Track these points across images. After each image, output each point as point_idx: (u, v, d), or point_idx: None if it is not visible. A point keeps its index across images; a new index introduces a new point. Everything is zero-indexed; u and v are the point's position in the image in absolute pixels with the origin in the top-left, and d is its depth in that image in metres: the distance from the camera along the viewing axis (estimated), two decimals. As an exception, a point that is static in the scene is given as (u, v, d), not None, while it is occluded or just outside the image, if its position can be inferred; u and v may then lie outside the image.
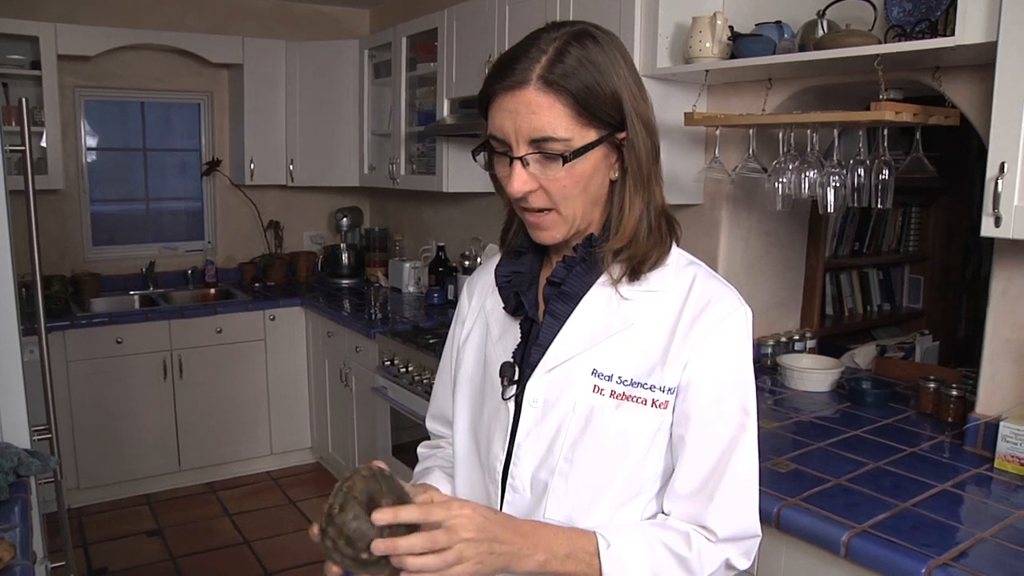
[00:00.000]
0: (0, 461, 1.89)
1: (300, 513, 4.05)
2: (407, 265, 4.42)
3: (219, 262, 4.82)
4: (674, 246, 1.13)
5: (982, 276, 3.88)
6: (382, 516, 0.90)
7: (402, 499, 0.95)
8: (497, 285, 1.19)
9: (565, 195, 1.04)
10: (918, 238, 4.13)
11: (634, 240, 1.08)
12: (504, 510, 1.12)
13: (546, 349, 1.11)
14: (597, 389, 1.07)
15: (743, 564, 1.09)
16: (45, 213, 4.21)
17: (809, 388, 2.58)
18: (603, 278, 1.11)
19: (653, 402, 1.06)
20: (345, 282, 4.79)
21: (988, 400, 2.11)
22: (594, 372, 1.08)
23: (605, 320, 1.09)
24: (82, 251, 4.49)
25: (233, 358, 4.29)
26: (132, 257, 4.63)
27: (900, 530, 1.64)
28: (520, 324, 1.16)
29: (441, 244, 4.28)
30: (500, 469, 1.13)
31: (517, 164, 1.01)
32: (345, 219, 4.97)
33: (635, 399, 1.06)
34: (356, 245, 4.92)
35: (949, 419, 2.29)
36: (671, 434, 1.08)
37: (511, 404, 1.12)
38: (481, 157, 1.08)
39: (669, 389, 1.06)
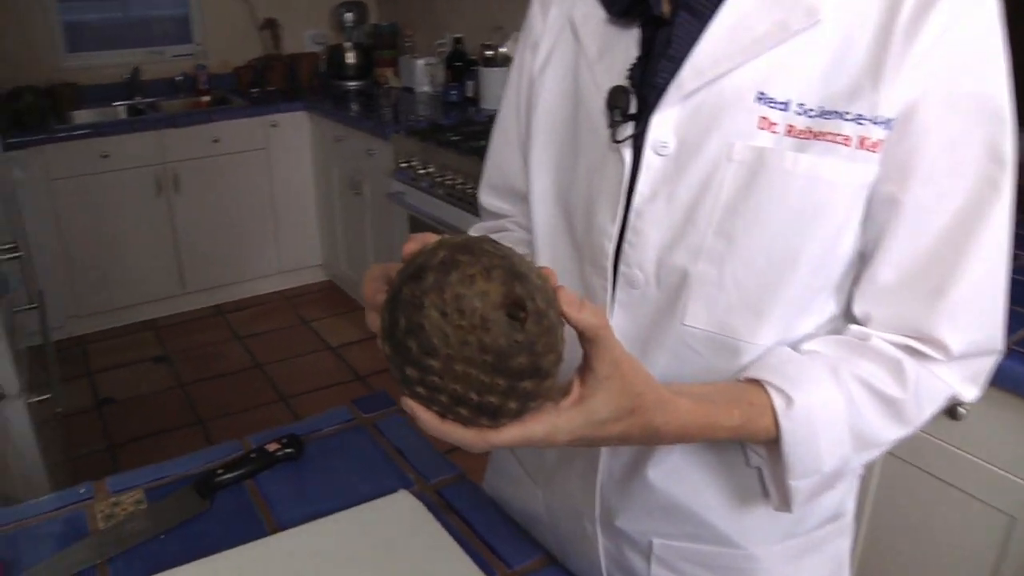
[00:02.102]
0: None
1: (314, 333, 3.79)
2: (420, 62, 3.95)
3: (211, 67, 4.33)
4: None
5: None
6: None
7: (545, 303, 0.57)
8: None
9: None
10: None
11: None
12: (616, 314, 0.76)
13: (681, 62, 0.70)
14: (767, 123, 0.67)
15: (971, 394, 0.73)
16: None
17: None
18: None
19: (861, 141, 0.65)
20: (352, 84, 4.32)
21: None
22: (761, 97, 0.67)
23: (775, 14, 0.67)
24: (54, 59, 3.98)
25: (233, 169, 3.89)
26: (113, 65, 4.12)
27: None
28: (640, 31, 0.75)
29: (458, 36, 3.77)
30: (611, 251, 0.76)
31: None
32: (349, 15, 4.44)
33: (829, 136, 0.66)
34: (363, 43, 4.41)
35: None
36: (870, 198, 0.69)
37: (626, 151, 0.73)
38: None
39: (885, 121, 0.65)
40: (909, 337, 0.69)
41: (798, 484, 0.69)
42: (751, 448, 0.73)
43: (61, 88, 3.88)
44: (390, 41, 4.35)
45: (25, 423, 1.82)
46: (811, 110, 0.66)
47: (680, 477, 0.79)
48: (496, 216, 0.99)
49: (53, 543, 0.93)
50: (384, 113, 3.58)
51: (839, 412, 0.68)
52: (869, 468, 1.54)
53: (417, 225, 3.14)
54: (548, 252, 0.84)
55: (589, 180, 0.77)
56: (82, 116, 3.86)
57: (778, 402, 0.67)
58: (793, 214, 0.67)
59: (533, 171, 0.84)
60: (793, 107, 0.66)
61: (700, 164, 0.70)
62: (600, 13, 0.76)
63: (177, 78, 4.24)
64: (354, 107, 3.79)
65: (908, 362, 0.69)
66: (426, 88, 3.96)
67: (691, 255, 0.71)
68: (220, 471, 1.00)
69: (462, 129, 3.13)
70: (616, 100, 0.73)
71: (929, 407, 0.70)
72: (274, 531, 0.92)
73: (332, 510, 0.94)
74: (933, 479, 1.45)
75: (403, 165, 3.13)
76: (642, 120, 0.72)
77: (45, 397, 1.97)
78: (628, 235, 0.74)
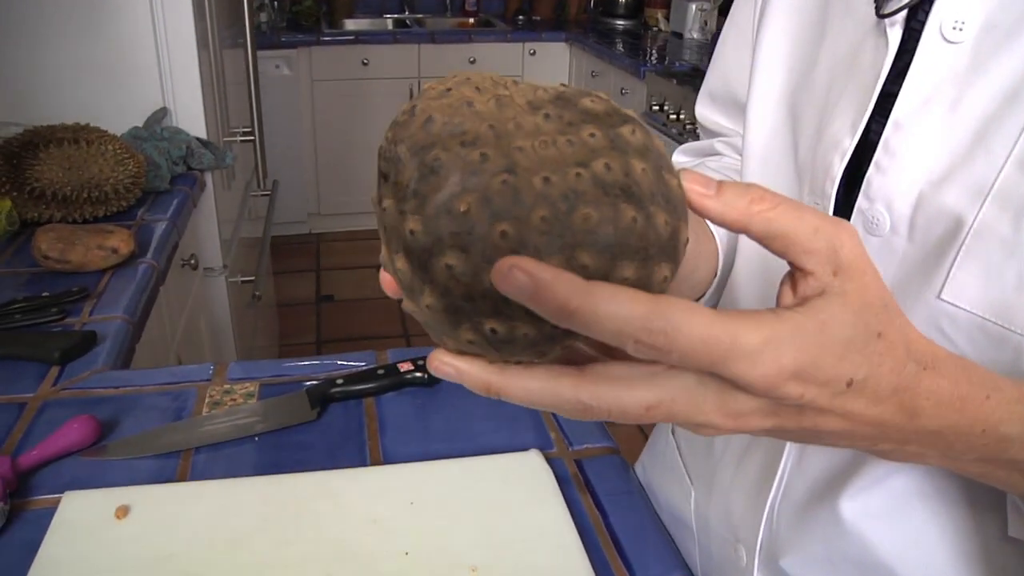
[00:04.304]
0: (166, 146, 1.56)
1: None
2: (693, 6, 3.64)
3: (482, -11, 4.30)
4: None
5: None
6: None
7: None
8: None
9: None
10: None
11: None
12: None
13: None
14: None
15: None
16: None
17: None
18: None
19: None
20: (620, 23, 4.10)
21: None
22: None
23: None
24: (339, -34, 4.12)
25: (484, 93, 3.84)
26: (391, -23, 4.22)
27: None
28: None
29: (739, -21, 3.45)
30: (838, 171, 0.51)
31: None
32: (628, -51, 4.22)
33: None
34: (637, -19, 4.19)
35: None
36: None
37: (894, 32, 0.48)
38: None
39: None
40: None
41: None
42: (1014, 502, 0.45)
43: (339, -5, 4.00)
44: (666, -19, 4.08)
45: (223, 297, 1.83)
46: None
47: (891, 521, 0.52)
48: (712, 135, 0.76)
49: (155, 416, 0.84)
50: (646, 53, 3.35)
51: None
52: None
53: (657, 175, 2.91)
54: (758, 170, 0.60)
55: (831, 76, 0.52)
56: (352, 24, 3.95)
57: None
58: None
59: (759, 65, 0.59)
60: None
61: (1012, 58, 0.43)
62: None
63: (448, -3, 4.24)
64: (618, 45, 3.58)
65: None
66: (695, 35, 3.66)
67: (973, 195, 0.44)
68: (340, 381, 0.87)
69: (725, 78, 2.84)
70: None
71: None
72: (375, 462, 0.77)
73: (447, 455, 0.77)
74: None
75: (654, 107, 2.90)
76: None
77: (248, 279, 1.99)
78: (877, 156, 0.48)
